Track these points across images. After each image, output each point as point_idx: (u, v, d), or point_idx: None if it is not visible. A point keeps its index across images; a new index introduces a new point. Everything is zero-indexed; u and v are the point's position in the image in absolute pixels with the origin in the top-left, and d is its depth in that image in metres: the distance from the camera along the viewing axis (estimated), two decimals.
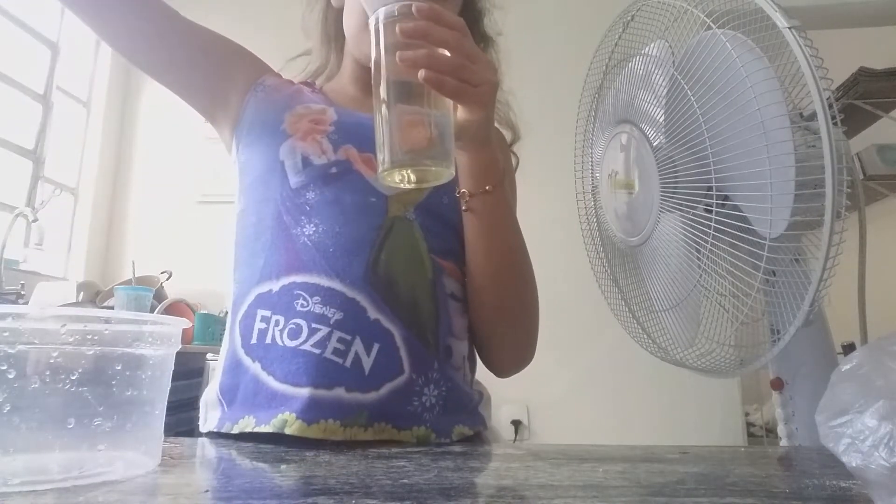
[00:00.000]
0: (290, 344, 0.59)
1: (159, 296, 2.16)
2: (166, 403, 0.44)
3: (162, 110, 2.82)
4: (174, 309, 2.12)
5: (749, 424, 2.50)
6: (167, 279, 2.26)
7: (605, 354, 2.25)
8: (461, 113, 0.53)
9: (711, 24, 0.73)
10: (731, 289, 0.74)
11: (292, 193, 0.65)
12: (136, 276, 2.10)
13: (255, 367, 0.60)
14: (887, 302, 1.66)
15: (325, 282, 0.60)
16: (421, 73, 0.46)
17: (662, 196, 0.82)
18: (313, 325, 0.59)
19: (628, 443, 0.56)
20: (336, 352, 0.58)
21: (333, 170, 0.65)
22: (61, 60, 2.55)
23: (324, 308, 0.59)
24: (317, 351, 0.58)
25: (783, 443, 0.81)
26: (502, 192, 0.63)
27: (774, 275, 0.69)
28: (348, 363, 0.58)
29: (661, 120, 0.82)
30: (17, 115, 2.36)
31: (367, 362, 0.59)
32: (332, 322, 0.59)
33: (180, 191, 2.67)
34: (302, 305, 0.60)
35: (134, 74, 2.87)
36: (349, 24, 0.74)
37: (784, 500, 0.37)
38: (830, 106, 0.61)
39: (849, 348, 1.65)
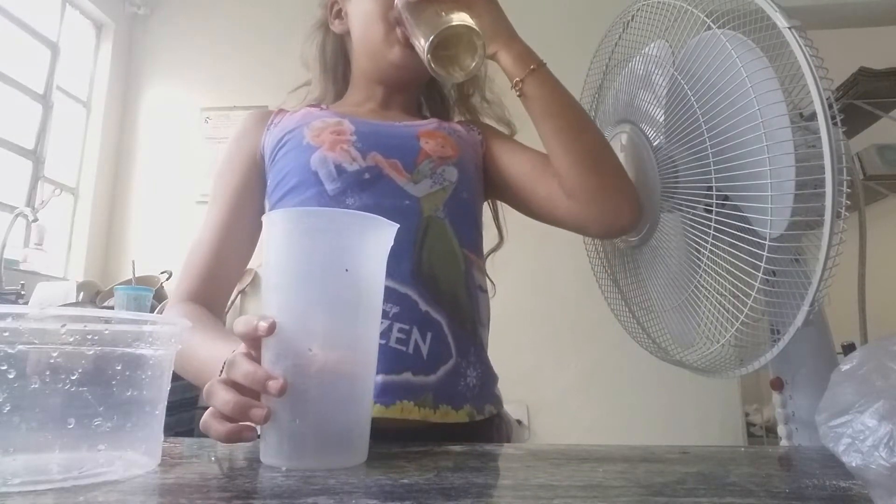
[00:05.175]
0: None
1: (159, 296, 2.16)
2: (166, 403, 0.44)
3: (162, 110, 2.82)
4: None
5: (749, 424, 2.50)
6: (167, 279, 2.26)
7: (606, 354, 2.25)
8: (476, 18, 0.65)
9: (711, 24, 0.73)
10: (731, 289, 0.74)
11: (331, 200, 0.69)
12: (136, 276, 2.10)
13: None
14: (887, 302, 1.66)
15: None
16: None
17: (662, 196, 0.82)
18: None
19: (628, 443, 0.56)
20: (399, 341, 0.64)
21: (367, 175, 0.70)
22: (61, 60, 2.55)
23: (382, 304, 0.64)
24: (382, 341, 0.62)
25: (783, 443, 0.81)
26: (547, 70, 0.72)
27: (774, 275, 0.69)
28: (410, 350, 0.64)
29: (661, 120, 0.82)
30: (17, 115, 2.36)
31: (424, 348, 0.65)
32: (391, 315, 0.64)
33: (180, 191, 2.67)
34: None
35: (134, 74, 2.87)
36: (366, 37, 0.79)
37: (784, 500, 0.37)
38: (830, 106, 0.61)
39: (849, 348, 1.64)
